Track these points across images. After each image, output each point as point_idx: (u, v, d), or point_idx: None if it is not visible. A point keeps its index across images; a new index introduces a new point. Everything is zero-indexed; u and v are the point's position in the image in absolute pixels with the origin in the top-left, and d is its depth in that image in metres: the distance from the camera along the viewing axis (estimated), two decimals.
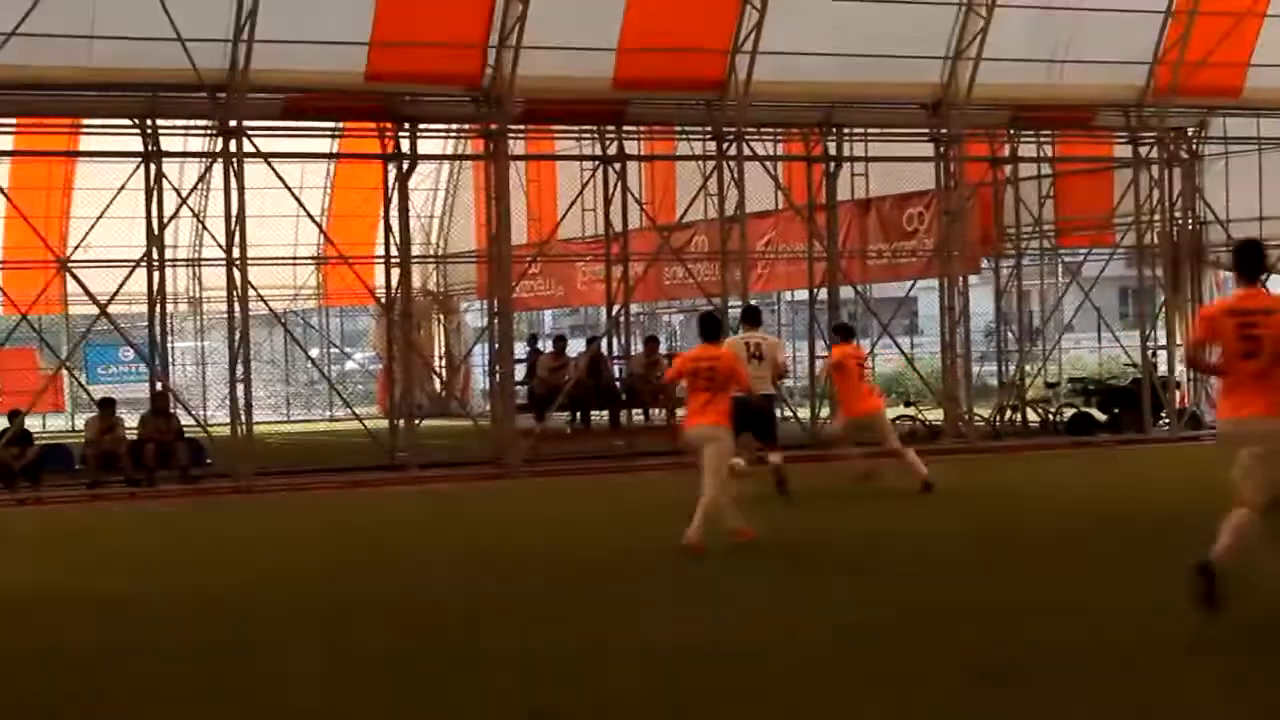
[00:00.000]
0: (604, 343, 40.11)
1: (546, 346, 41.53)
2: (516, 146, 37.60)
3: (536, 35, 33.82)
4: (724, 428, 20.53)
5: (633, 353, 39.96)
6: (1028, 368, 42.46)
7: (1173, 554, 15.02)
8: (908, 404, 41.72)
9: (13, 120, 37.06)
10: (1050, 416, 40.96)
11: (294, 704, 12.51)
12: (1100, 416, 40.12)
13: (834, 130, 38.57)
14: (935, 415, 39.68)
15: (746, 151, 37.09)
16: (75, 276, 35.01)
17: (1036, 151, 42.45)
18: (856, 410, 25.84)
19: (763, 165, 38.52)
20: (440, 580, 19.24)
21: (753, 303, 32.38)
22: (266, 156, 35.29)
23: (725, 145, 36.72)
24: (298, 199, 37.43)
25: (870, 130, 39.14)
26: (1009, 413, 41.20)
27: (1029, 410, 41.40)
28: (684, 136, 39.72)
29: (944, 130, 37.88)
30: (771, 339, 28.30)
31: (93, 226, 36.67)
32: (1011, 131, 40.57)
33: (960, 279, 39.64)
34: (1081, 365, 46.28)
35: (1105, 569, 17.93)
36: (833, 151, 38.87)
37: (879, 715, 11.44)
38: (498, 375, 37.07)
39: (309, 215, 40.40)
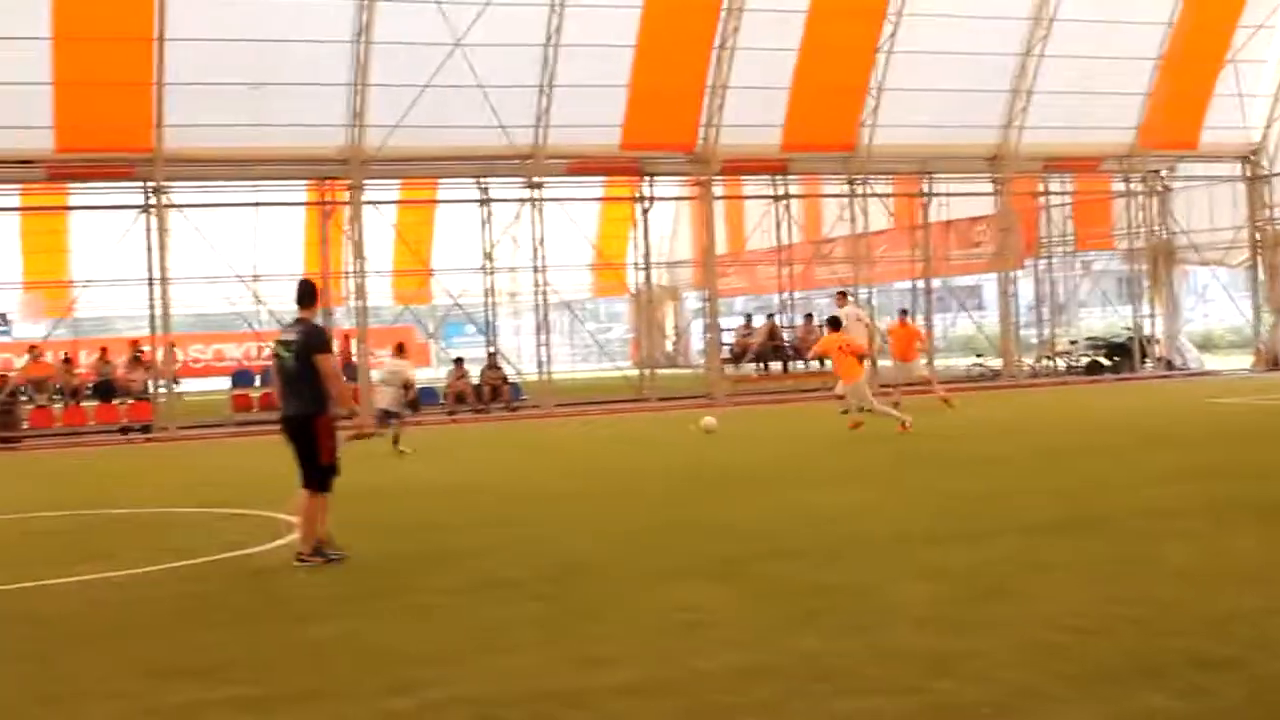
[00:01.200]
0: (778, 318, 40.29)
1: (739, 321, 41.70)
2: (718, 190, 37.85)
3: (730, 118, 34.27)
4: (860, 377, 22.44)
5: (795, 324, 40.11)
6: (1056, 331, 42.22)
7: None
8: (977, 355, 41.64)
9: (396, 181, 37.86)
10: (1072, 364, 40.74)
11: (579, 556, 12.57)
12: (1106, 363, 39.95)
13: (927, 175, 38.64)
14: (995, 363, 39.59)
15: (870, 191, 37.34)
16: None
17: (1061, 186, 42.33)
18: (848, 379, 24.81)
19: (880, 200, 38.65)
20: (670, 471, 19.26)
21: (848, 289, 32.66)
22: (557, 200, 35.89)
23: (855, 186, 36.93)
24: (578, 227, 37.93)
25: (951, 174, 39.05)
26: (1044, 360, 40.92)
27: (1058, 359, 41.12)
28: (827, 181, 39.83)
29: (999, 174, 37.90)
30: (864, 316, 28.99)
31: (447, 248, 37.42)
32: (1044, 174, 40.40)
33: (1011, 273, 39.74)
34: (1092, 329, 45.71)
35: (1125, 460, 17.79)
36: (927, 189, 38.91)
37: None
38: (708, 339, 37.48)
39: (584, 236, 40.89)
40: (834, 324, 25.49)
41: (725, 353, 37.97)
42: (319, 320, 12.10)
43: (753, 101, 34.23)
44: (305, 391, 11.56)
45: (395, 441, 22.09)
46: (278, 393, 11.90)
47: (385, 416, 21.62)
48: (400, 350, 24.55)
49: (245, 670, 7.92)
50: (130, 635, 9.09)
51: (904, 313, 31.11)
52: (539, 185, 34.43)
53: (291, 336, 11.67)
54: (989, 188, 38.73)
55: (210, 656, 8.30)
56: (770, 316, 40.44)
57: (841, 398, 24.65)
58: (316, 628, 9.04)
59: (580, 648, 8.09)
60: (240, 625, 9.19)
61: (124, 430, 31.24)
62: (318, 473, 11.53)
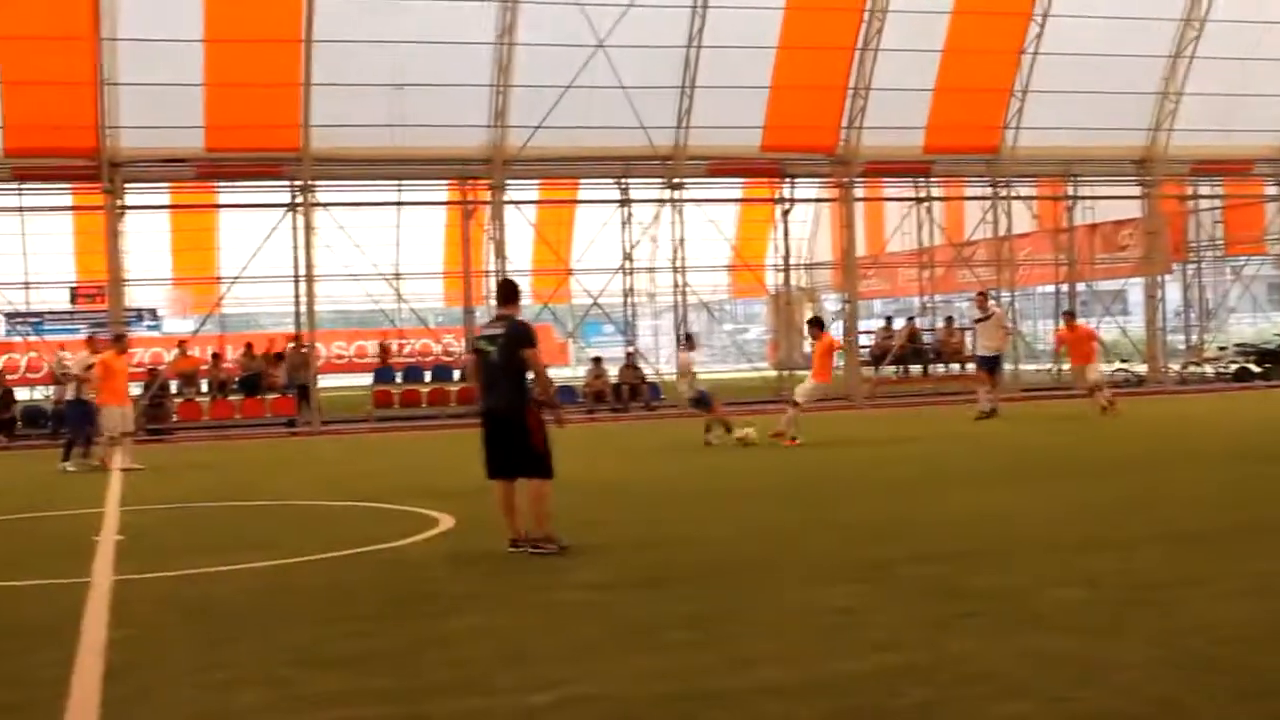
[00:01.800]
0: (918, 320, 39.95)
1: (880, 324, 41.38)
2: (859, 191, 37.62)
3: (872, 119, 34.03)
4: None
5: (936, 327, 39.72)
6: (1204, 337, 41.37)
7: None
8: (1122, 360, 40.87)
9: (536, 181, 38.11)
10: (1220, 370, 39.86)
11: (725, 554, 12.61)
12: (1256, 369, 38.99)
13: (1072, 178, 38.05)
14: (1140, 369, 38.86)
15: (1013, 194, 36.87)
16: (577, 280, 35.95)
17: (1210, 190, 41.42)
18: (823, 379, 24.78)
19: (1024, 203, 38.14)
20: (810, 471, 19.14)
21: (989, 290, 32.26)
22: (697, 201, 35.85)
23: (998, 189, 36.45)
24: (717, 228, 37.86)
25: (1096, 177, 38.43)
26: (1191, 367, 40.11)
27: (1206, 366, 40.28)
28: (970, 183, 39.39)
29: (1147, 177, 37.18)
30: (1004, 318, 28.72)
31: (587, 248, 37.61)
32: (1193, 177, 39.57)
33: (1158, 277, 38.95)
34: (1242, 335, 44.73)
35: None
36: (1071, 192, 38.33)
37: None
38: (847, 341, 37.21)
39: (723, 237, 40.83)
40: (819, 325, 25.82)
41: (864, 355, 37.71)
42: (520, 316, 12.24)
43: (895, 103, 33.98)
44: (511, 385, 11.79)
45: None
46: (480, 386, 12.05)
47: None
48: None
49: (389, 662, 7.96)
50: (280, 624, 9.20)
51: (1070, 315, 30.57)
52: (679, 186, 34.45)
53: (497, 331, 11.86)
54: (1136, 191, 38.04)
55: (356, 647, 8.36)
56: (910, 319, 40.10)
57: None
58: (460, 621, 9.07)
59: (727, 648, 8.01)
60: (385, 617, 9.25)
61: (290, 423, 31.84)
62: (538, 460, 11.71)
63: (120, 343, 23.85)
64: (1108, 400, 26.89)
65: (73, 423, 23.69)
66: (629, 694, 7.12)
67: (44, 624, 9.48)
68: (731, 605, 9.30)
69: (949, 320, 39.76)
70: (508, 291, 12.27)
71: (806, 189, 40.32)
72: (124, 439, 22.52)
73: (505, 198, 33.78)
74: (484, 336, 12.01)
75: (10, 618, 9.89)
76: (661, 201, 35.48)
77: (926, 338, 38.87)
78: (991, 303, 29.72)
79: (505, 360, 11.77)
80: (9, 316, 39.54)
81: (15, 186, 34.30)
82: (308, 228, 32.09)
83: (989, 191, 37.04)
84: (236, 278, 34.13)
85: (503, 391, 11.80)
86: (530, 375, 11.93)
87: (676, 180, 34.34)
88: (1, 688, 7.69)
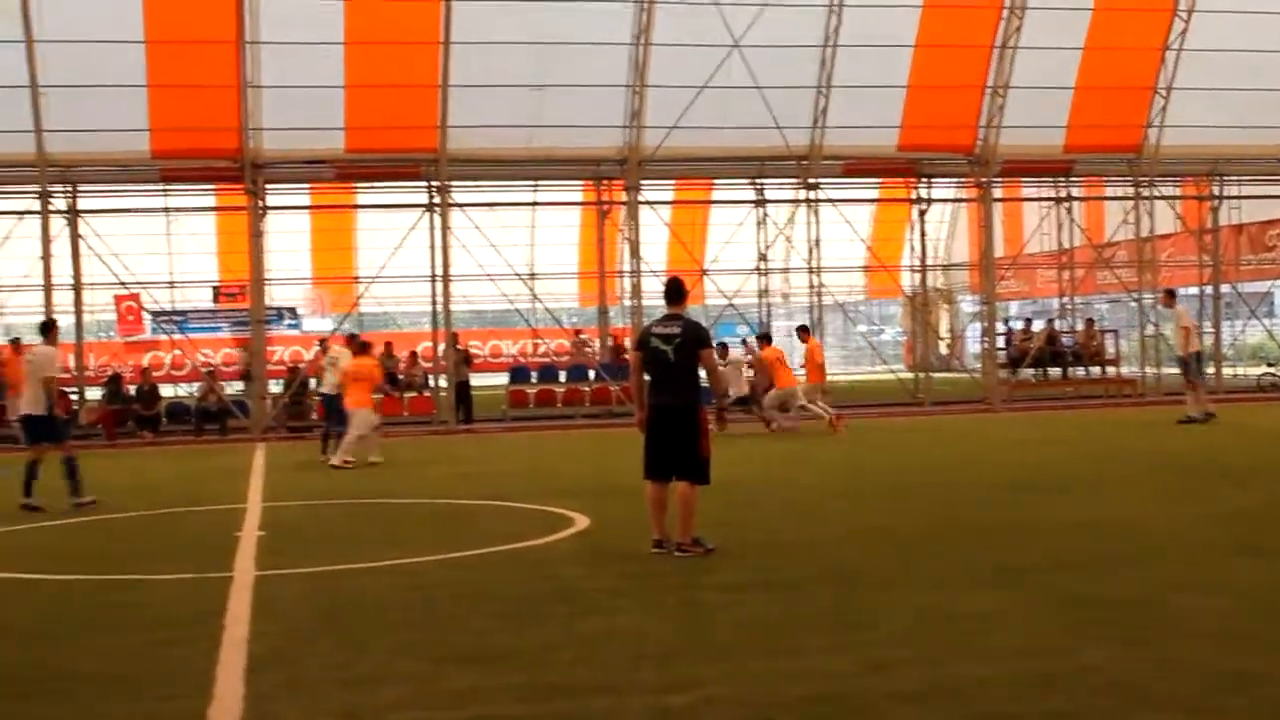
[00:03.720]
0: (1057, 322, 39.45)
1: (1018, 325, 40.89)
2: (997, 192, 37.19)
3: (1011, 118, 33.67)
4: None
5: (1076, 329, 39.17)
6: None
7: None
8: (1269, 364, 40.04)
9: (671, 181, 38.22)
10: None
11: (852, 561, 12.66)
12: None
13: (1217, 177, 37.31)
14: None
15: (1156, 194, 36.23)
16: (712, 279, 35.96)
17: None
18: (783, 384, 26.91)
19: (1167, 203, 37.50)
20: (942, 475, 18.96)
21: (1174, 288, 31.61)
22: (833, 202, 35.68)
23: (1141, 189, 35.87)
24: (852, 228, 37.64)
25: (1243, 177, 37.64)
26: None
27: None
28: (1111, 183, 38.82)
29: None
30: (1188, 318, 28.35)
31: (721, 248, 37.65)
32: None
33: None
34: None
35: None
36: (1217, 192, 37.59)
37: None
38: (985, 344, 36.87)
39: (859, 237, 40.60)
40: (767, 339, 27.81)
41: (1002, 357, 37.31)
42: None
43: (1034, 101, 33.56)
44: (685, 384, 11.92)
45: None
46: (652, 383, 12.14)
47: None
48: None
49: (528, 660, 8.05)
50: (420, 621, 9.34)
51: (767, 338, 30.34)
52: (815, 186, 34.35)
53: (673, 330, 11.94)
54: None
55: (495, 645, 8.47)
56: (1050, 321, 39.60)
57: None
58: (595, 620, 9.15)
59: (860, 652, 8.00)
60: (523, 616, 9.35)
61: (467, 419, 32.20)
62: (699, 464, 11.81)
63: (355, 343, 24.80)
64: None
65: (333, 416, 24.20)
66: (765, 696, 7.15)
67: (189, 617, 9.71)
68: (866, 609, 9.29)
69: (1089, 322, 39.20)
70: (676, 290, 12.31)
71: (943, 189, 39.98)
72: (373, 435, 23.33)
73: (640, 198, 33.88)
74: (657, 334, 12.03)
75: (158, 610, 10.16)
76: (797, 202, 35.38)
77: (1066, 340, 38.34)
78: (1177, 301, 28.70)
79: (681, 359, 11.86)
80: (155, 315, 40.46)
81: (161, 188, 35.16)
82: (445, 228, 32.45)
83: (1131, 191, 36.45)
84: (375, 278, 34.60)
85: (677, 390, 11.90)
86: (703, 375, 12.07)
87: (812, 180, 34.24)
88: (149, 679, 7.90)
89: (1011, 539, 12.39)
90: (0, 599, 10.84)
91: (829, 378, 28.19)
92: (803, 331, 29.47)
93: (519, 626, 9.01)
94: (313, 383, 32.58)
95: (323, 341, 32.71)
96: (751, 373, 30.21)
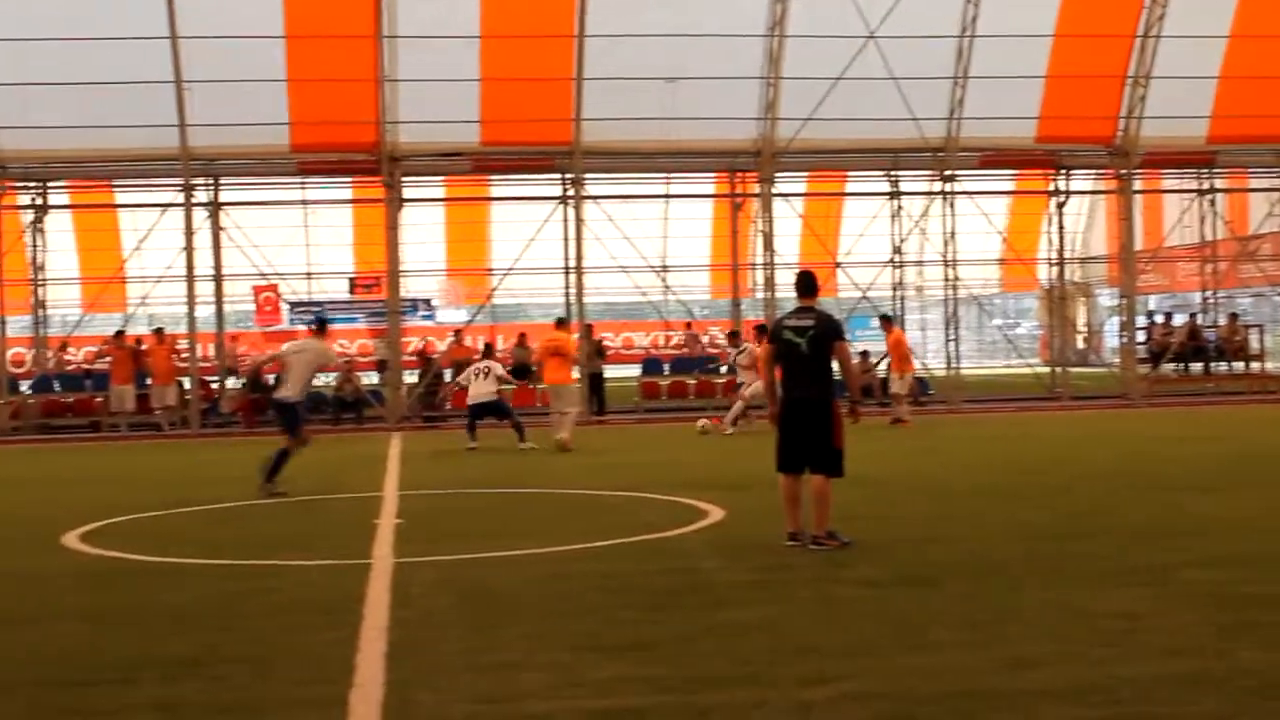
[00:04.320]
0: (1199, 317, 38.70)
1: (1159, 320, 40.13)
2: (1137, 184, 36.52)
3: (1152, 108, 33.10)
4: None
5: (1219, 324, 38.41)
6: None
7: None
8: None
9: (804, 173, 38.05)
10: None
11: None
12: None
13: None
14: None
15: None
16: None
17: None
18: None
19: None
20: (1082, 471, 18.68)
21: None
22: (969, 194, 35.26)
23: None
24: (989, 220, 37.16)
25: None
26: None
27: None
28: (1257, 175, 37.96)
29: None
30: None
31: (855, 241, 37.42)
32: None
33: None
34: None
35: None
36: None
37: None
38: (1124, 338, 36.24)
39: (995, 230, 40.09)
40: (764, 331, 26.16)
41: (1142, 352, 36.67)
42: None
43: (1177, 91, 32.88)
44: (819, 377, 11.90)
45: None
46: (785, 376, 12.10)
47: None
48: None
49: (664, 651, 8.05)
50: (556, 610, 9.38)
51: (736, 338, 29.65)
52: (951, 178, 33.99)
53: (806, 323, 11.92)
54: None
55: (631, 635, 8.48)
56: (1192, 316, 38.86)
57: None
58: (733, 613, 9.12)
59: (1003, 649, 7.90)
60: (659, 607, 9.35)
61: (600, 410, 32.56)
62: (833, 456, 11.78)
63: (564, 325, 26.38)
64: None
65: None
66: (905, 691, 7.08)
67: (329, 603, 9.84)
68: (1006, 605, 9.16)
69: (1232, 317, 38.40)
70: (809, 283, 12.27)
71: (1081, 181, 39.38)
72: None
73: (774, 190, 33.75)
74: (790, 327, 12.00)
75: (299, 595, 10.31)
76: (932, 194, 35.02)
77: (1208, 335, 37.59)
78: None
79: (815, 352, 11.83)
80: (292, 305, 41.08)
81: (299, 180, 35.74)
82: (578, 220, 32.58)
83: (1278, 183, 35.64)
84: (508, 270, 34.83)
85: (811, 383, 11.85)
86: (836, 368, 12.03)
87: (948, 172, 33.88)
88: (291, 663, 8.02)
89: (1154, 536, 12.18)
90: (148, 584, 11.05)
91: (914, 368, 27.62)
92: (885, 322, 29.33)
93: (655, 617, 9.02)
94: (446, 374, 32.98)
95: (457, 332, 33.13)
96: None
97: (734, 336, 29.38)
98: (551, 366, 24.58)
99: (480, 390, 24.72)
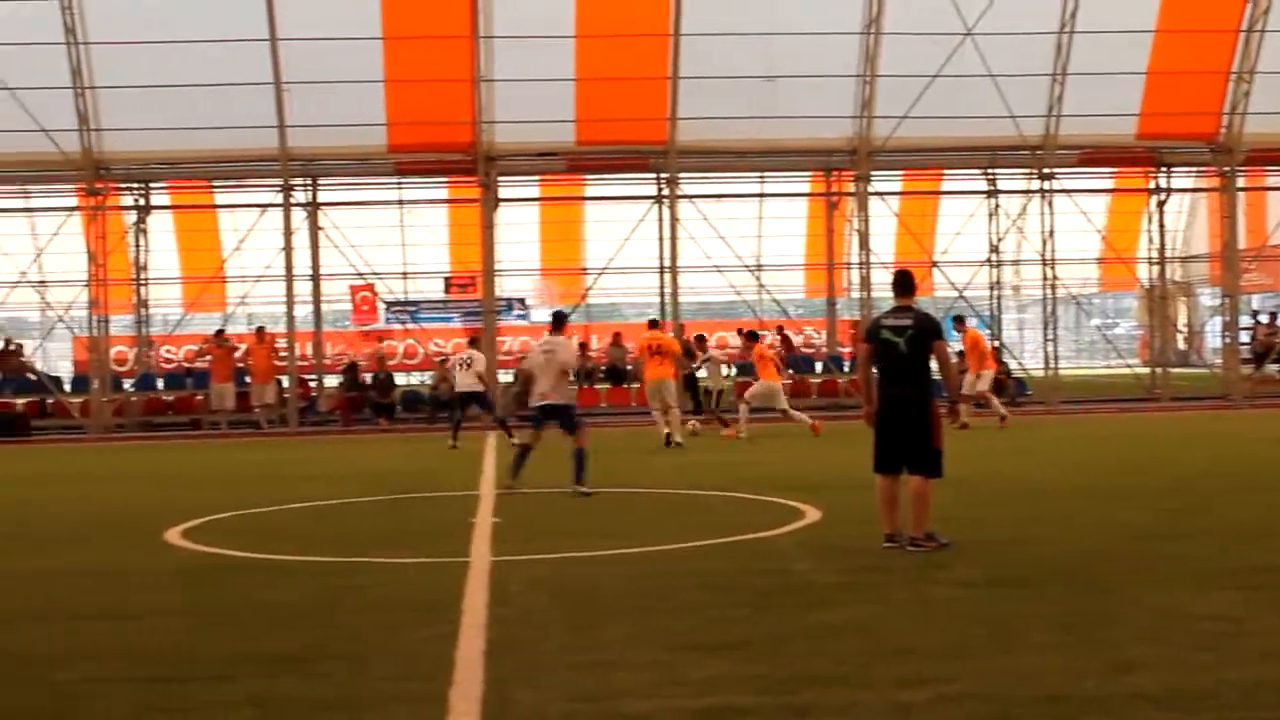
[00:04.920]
0: None
1: (1263, 319, 39.53)
2: (1241, 181, 35.95)
3: (1257, 104, 32.60)
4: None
5: None
6: None
7: None
8: None
9: (899, 172, 37.89)
10: None
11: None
12: None
13: None
14: None
15: None
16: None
17: None
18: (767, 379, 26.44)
19: None
20: (1180, 471, 18.46)
21: None
22: (1068, 192, 34.90)
23: None
24: (1088, 219, 36.75)
25: None
26: None
27: None
28: None
29: None
30: None
31: (951, 240, 37.17)
32: None
33: None
34: None
35: None
36: None
37: None
38: (1227, 338, 35.71)
39: (1094, 228, 39.61)
40: (752, 337, 27.83)
41: (1245, 352, 36.13)
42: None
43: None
44: (918, 376, 11.88)
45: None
46: (883, 375, 12.11)
47: None
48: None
49: (762, 650, 8.07)
50: (653, 609, 9.43)
51: (754, 335, 29.04)
52: (1049, 176, 33.67)
53: (905, 323, 11.91)
54: None
55: (728, 634, 8.51)
56: None
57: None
58: (829, 613, 9.13)
59: (1101, 652, 7.85)
60: (756, 606, 9.38)
61: (696, 409, 32.42)
62: (932, 457, 11.77)
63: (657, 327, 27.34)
64: None
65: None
66: (1003, 694, 7.06)
67: (428, 600, 9.95)
68: (1104, 607, 9.11)
69: None
70: (908, 282, 12.25)
71: (1182, 178, 38.87)
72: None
73: (869, 189, 33.61)
74: (888, 326, 11.97)
75: (398, 592, 10.43)
76: (1030, 192, 34.70)
77: None
78: None
79: (914, 351, 11.80)
80: (389, 305, 41.46)
81: (396, 181, 36.07)
82: (673, 220, 32.62)
83: None
84: (603, 269, 34.94)
85: (909, 382, 11.83)
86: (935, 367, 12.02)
87: (1046, 170, 33.56)
88: (389, 661, 8.10)
89: (1255, 537, 12.08)
90: (248, 580, 11.21)
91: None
92: (958, 322, 29.22)
93: (752, 617, 9.04)
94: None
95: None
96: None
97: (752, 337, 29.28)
98: (653, 364, 25.01)
99: (463, 381, 25.85)
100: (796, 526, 13.27)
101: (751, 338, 27.98)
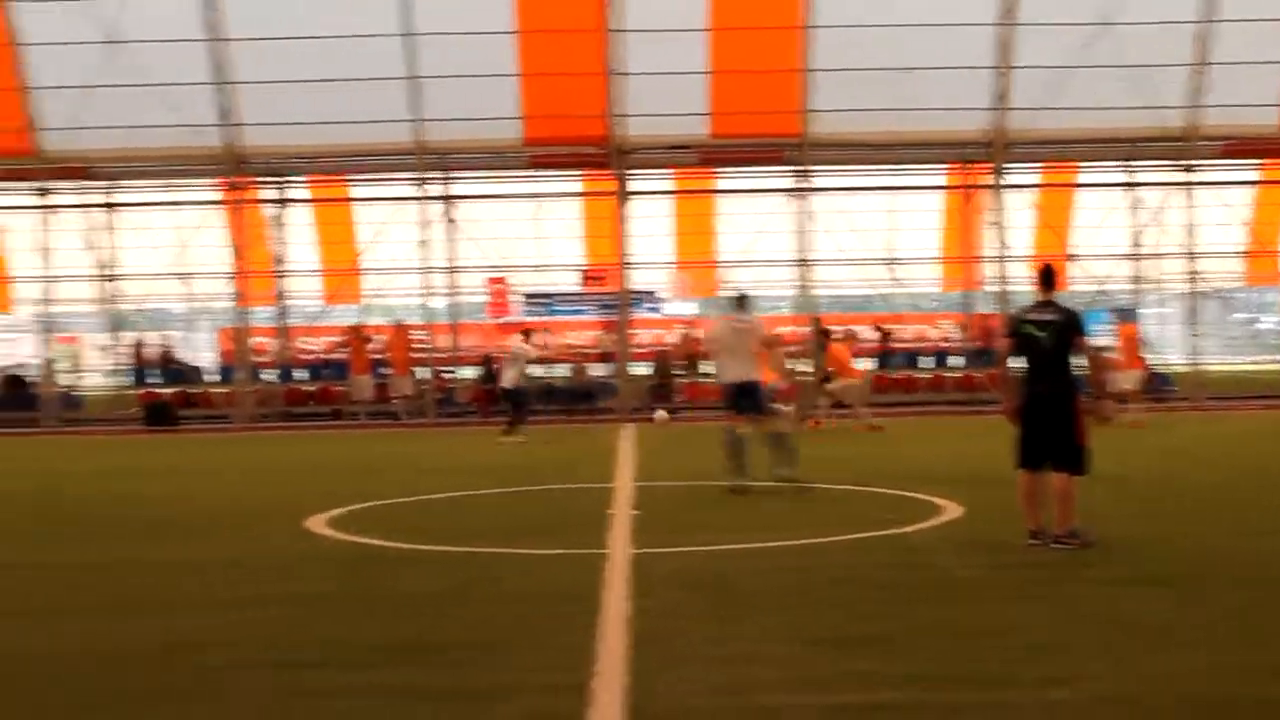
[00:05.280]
0: None
1: None
2: None
3: None
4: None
5: None
6: None
7: None
8: None
9: (1037, 164, 37.36)
10: None
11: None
12: None
13: None
14: None
15: None
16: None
17: None
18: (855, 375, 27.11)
19: None
20: None
21: None
22: (1211, 185, 34.26)
23: None
24: (1232, 211, 36.03)
25: None
26: None
27: None
28: None
29: None
30: None
31: (1089, 233, 36.62)
32: None
33: None
34: None
35: None
36: None
37: None
38: None
39: (1238, 221, 38.79)
40: (826, 335, 27.72)
41: None
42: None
43: None
44: (1062, 371, 11.73)
45: None
46: (1026, 371, 11.96)
47: None
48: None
49: (900, 647, 8.01)
50: (794, 603, 9.40)
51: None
52: (1191, 168, 33.04)
53: (1048, 317, 11.77)
54: None
55: (869, 630, 8.46)
56: None
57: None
58: (969, 610, 9.04)
59: (1255, 654, 7.69)
60: (897, 602, 9.32)
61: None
62: (1075, 453, 11.61)
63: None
64: None
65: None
66: (1152, 694, 6.95)
67: (568, 592, 9.98)
68: (1256, 608, 8.93)
69: None
70: (1050, 277, 12.11)
71: None
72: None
73: (1005, 181, 33.22)
74: (1031, 321, 11.82)
75: (538, 583, 10.48)
76: (1171, 184, 34.10)
77: None
78: None
79: (1057, 346, 11.65)
80: (527, 297, 41.76)
81: (530, 173, 36.30)
82: (806, 213, 32.49)
83: None
84: (736, 262, 34.91)
85: (1053, 378, 11.67)
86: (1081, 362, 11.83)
87: (1188, 162, 32.93)
88: (530, 651, 8.14)
89: None
90: (389, 569, 11.34)
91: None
92: (1115, 316, 28.88)
93: (892, 613, 8.98)
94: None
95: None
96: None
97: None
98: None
99: (506, 376, 25.70)
100: (939, 522, 13.15)
101: (825, 335, 28.25)
